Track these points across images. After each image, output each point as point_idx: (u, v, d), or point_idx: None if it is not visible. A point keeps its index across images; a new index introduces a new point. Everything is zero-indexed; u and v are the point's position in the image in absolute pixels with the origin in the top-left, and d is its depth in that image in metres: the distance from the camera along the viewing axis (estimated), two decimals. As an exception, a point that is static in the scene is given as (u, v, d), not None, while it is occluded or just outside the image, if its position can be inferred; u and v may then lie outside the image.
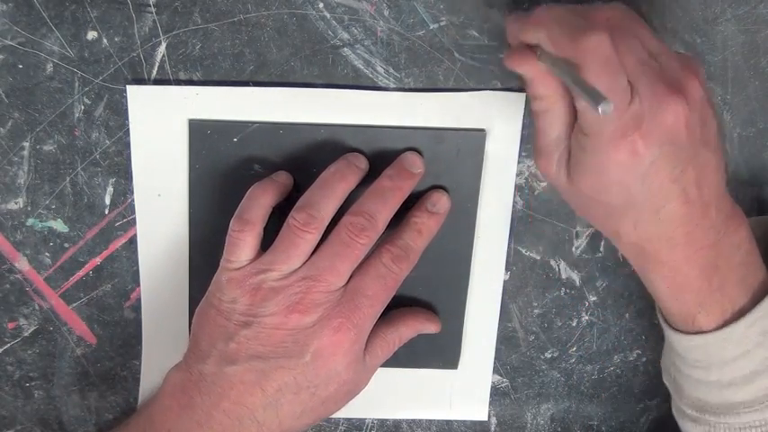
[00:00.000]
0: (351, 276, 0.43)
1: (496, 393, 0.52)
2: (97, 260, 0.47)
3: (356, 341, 0.43)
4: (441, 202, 0.45)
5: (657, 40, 0.37)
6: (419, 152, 0.45)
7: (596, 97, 0.33)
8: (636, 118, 0.35)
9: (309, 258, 0.42)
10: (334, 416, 0.51)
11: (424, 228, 0.45)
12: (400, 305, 0.48)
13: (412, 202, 0.46)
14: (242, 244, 0.43)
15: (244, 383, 0.42)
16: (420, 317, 0.48)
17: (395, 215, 0.44)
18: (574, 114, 0.38)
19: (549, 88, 0.37)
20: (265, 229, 0.43)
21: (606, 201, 0.38)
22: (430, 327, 0.48)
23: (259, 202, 0.43)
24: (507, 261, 0.49)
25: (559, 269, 0.50)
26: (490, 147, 0.46)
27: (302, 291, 0.42)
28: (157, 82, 0.43)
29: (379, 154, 0.45)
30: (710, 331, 0.39)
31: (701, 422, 0.42)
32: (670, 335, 0.41)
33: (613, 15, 0.37)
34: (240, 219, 0.43)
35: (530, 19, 0.37)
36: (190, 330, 0.48)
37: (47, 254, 0.47)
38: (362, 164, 0.45)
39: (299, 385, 0.42)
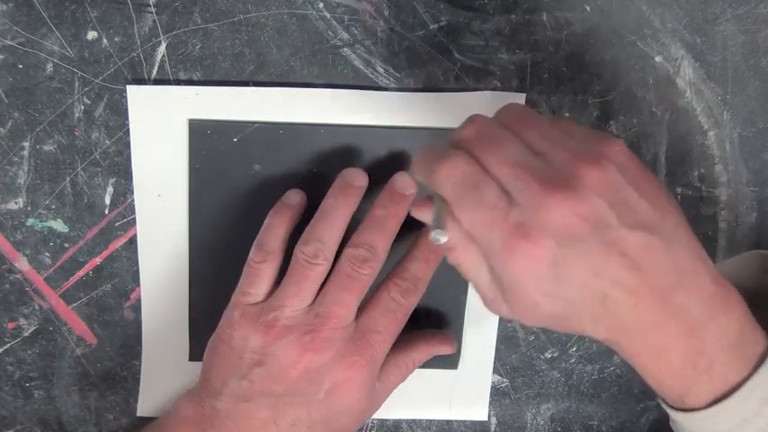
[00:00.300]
0: (361, 312, 0.43)
1: (496, 393, 0.52)
2: (97, 260, 0.47)
3: (369, 376, 0.43)
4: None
5: (556, 127, 0.35)
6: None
7: (434, 226, 0.34)
8: (519, 226, 0.33)
9: (316, 296, 0.43)
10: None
11: (432, 257, 0.45)
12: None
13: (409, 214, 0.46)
14: (262, 275, 0.43)
15: (258, 419, 0.42)
16: (433, 340, 0.48)
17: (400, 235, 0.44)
18: None
19: (455, 233, 0.36)
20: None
21: (547, 313, 0.35)
22: (445, 349, 0.48)
23: (277, 231, 0.43)
24: (507, 261, 0.49)
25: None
26: (490, 147, 0.46)
27: (314, 328, 0.42)
28: (157, 82, 0.43)
29: (379, 154, 0.45)
30: (701, 409, 0.36)
31: None
32: (668, 411, 0.39)
33: (482, 127, 0.36)
34: (261, 250, 0.43)
35: (412, 164, 0.36)
36: (190, 329, 0.49)
37: (47, 254, 0.47)
38: (361, 181, 0.44)
39: (312, 419, 0.42)
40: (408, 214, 0.42)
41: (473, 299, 0.49)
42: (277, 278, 0.44)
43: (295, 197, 0.45)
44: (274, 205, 0.44)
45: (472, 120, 0.37)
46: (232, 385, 0.42)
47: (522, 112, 0.37)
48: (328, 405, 0.42)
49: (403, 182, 0.44)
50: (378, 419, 0.52)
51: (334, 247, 0.43)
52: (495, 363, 0.51)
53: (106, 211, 0.46)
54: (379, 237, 0.43)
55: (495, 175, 0.34)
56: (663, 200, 0.34)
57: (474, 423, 0.53)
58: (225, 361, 0.43)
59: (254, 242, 0.44)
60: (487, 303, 0.38)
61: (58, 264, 0.47)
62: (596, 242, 0.32)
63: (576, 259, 0.33)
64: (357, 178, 0.44)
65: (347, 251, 0.43)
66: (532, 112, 0.37)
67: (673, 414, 0.38)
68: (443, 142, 0.37)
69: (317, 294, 0.43)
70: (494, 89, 0.45)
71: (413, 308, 0.45)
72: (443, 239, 0.34)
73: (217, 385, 0.43)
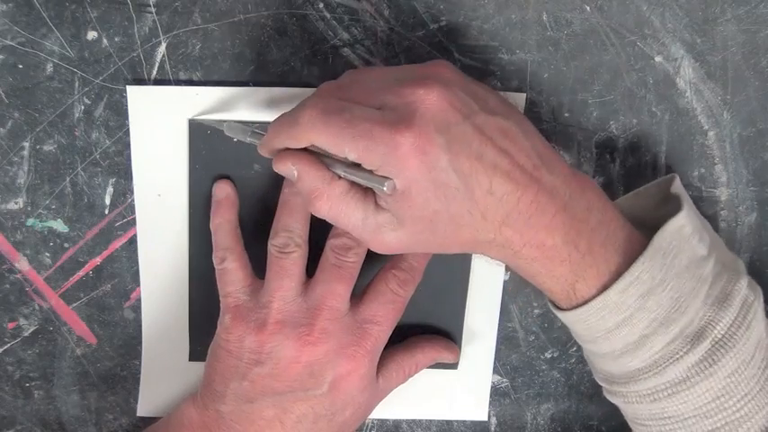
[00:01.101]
0: (360, 304, 0.44)
1: (496, 393, 0.52)
2: (97, 260, 0.47)
3: (370, 367, 0.43)
4: None
5: (394, 69, 0.38)
6: None
7: (379, 183, 0.35)
8: (397, 121, 0.34)
9: (306, 290, 0.43)
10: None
11: None
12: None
13: None
14: (230, 273, 0.44)
15: (263, 419, 0.42)
16: (438, 346, 0.48)
17: None
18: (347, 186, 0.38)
19: (322, 179, 0.38)
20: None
21: (440, 217, 0.36)
22: (448, 356, 0.49)
23: (223, 229, 0.44)
24: (507, 261, 0.49)
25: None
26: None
27: (309, 321, 0.42)
28: (157, 82, 0.43)
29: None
30: (589, 300, 0.38)
31: (616, 394, 0.41)
32: (558, 315, 0.40)
33: (340, 82, 0.38)
34: (217, 251, 0.44)
35: (297, 129, 0.37)
36: (190, 329, 0.49)
37: (47, 254, 0.47)
38: None
39: (316, 414, 0.42)
40: None
41: (473, 299, 0.49)
42: (259, 275, 0.44)
43: (222, 190, 0.45)
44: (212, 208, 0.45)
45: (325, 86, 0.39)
46: (234, 387, 0.42)
47: (354, 72, 0.39)
48: (332, 398, 0.42)
49: None
50: (378, 419, 0.52)
51: (303, 233, 0.43)
52: (495, 363, 0.51)
53: (106, 211, 0.46)
54: None
55: (358, 100, 0.36)
56: (501, 95, 0.38)
57: (474, 423, 0.53)
58: (224, 365, 0.43)
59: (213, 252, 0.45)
60: (372, 240, 0.38)
61: (58, 264, 0.47)
62: (469, 126, 0.35)
63: (459, 145, 0.35)
64: None
65: (330, 242, 0.43)
66: (365, 69, 0.40)
67: (563, 316, 0.39)
68: None
69: (306, 287, 0.43)
70: (494, 89, 0.45)
71: (409, 297, 0.45)
72: (392, 184, 0.35)
73: (219, 389, 0.43)
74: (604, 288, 0.37)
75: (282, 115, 0.38)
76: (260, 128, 0.42)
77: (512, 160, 0.35)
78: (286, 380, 0.42)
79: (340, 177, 0.37)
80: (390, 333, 0.44)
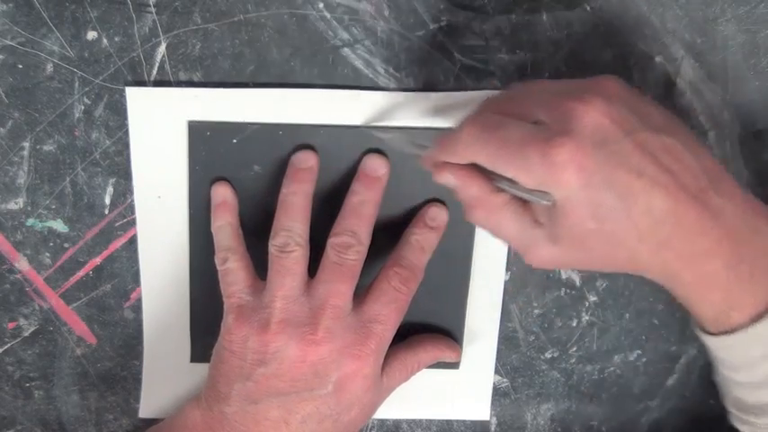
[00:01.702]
0: (363, 303, 0.44)
1: (497, 393, 0.52)
2: (97, 260, 0.47)
3: (375, 366, 0.43)
4: (440, 217, 0.46)
5: (558, 82, 0.37)
6: (381, 152, 0.45)
7: (537, 197, 0.35)
8: (552, 138, 0.33)
9: (309, 290, 0.43)
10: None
11: (426, 243, 0.45)
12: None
13: (411, 215, 0.46)
14: (233, 273, 0.44)
15: (268, 420, 0.42)
16: (440, 344, 0.48)
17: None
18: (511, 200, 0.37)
19: (481, 190, 0.38)
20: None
21: (597, 236, 0.35)
22: (450, 355, 0.49)
23: (224, 230, 0.44)
24: (507, 261, 0.49)
25: (559, 269, 0.50)
26: (490, 147, 0.46)
27: (312, 320, 0.42)
28: (157, 82, 0.43)
29: (379, 154, 0.45)
30: (740, 329, 0.36)
31: (745, 422, 0.40)
32: (702, 338, 0.39)
33: (503, 95, 0.38)
34: (219, 252, 0.44)
35: (457, 148, 0.37)
36: (191, 330, 0.49)
37: (47, 254, 0.47)
38: (310, 161, 0.44)
39: (322, 414, 0.42)
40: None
41: (474, 299, 0.49)
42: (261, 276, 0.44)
43: (220, 193, 0.45)
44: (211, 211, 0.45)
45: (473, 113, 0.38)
46: (238, 388, 0.42)
47: (523, 86, 0.38)
48: (337, 398, 0.42)
49: (373, 163, 0.44)
50: (378, 419, 0.52)
51: (304, 232, 0.43)
52: (495, 363, 0.51)
53: (106, 211, 0.46)
54: (359, 222, 0.43)
55: (517, 114, 0.35)
56: (668, 113, 0.36)
57: (474, 423, 0.53)
58: (229, 366, 0.43)
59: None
60: (526, 253, 0.38)
61: (58, 264, 0.47)
62: (629, 143, 0.33)
63: (617, 161, 0.33)
64: (305, 160, 0.44)
65: (330, 240, 0.43)
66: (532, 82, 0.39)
67: (708, 340, 0.37)
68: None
69: (308, 287, 0.43)
70: (494, 89, 0.45)
71: (412, 295, 0.45)
72: (552, 197, 0.35)
73: (224, 390, 0.43)
74: (759, 317, 0.35)
75: (446, 132, 0.38)
76: (422, 137, 0.43)
77: (675, 179, 0.34)
78: (290, 380, 0.42)
79: (501, 189, 0.37)
80: (395, 331, 0.44)
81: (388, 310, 0.43)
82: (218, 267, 0.44)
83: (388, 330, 0.44)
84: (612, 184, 0.33)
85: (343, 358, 0.42)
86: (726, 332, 0.36)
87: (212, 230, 0.45)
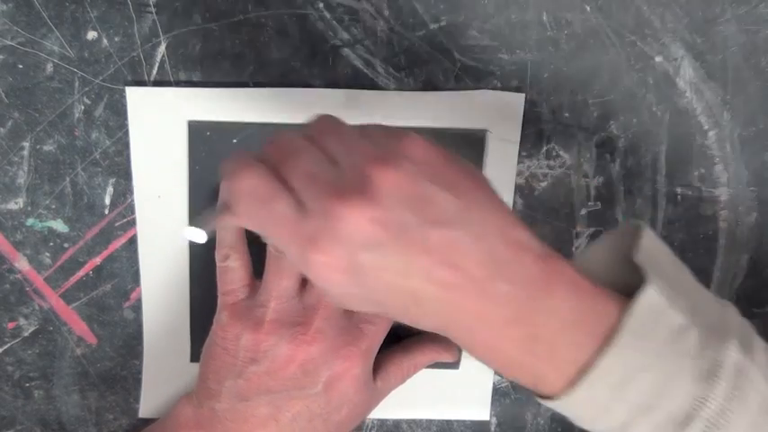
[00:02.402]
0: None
1: (496, 393, 0.52)
2: (97, 260, 0.47)
3: (365, 366, 0.43)
4: None
5: (358, 132, 0.34)
6: None
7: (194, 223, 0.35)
8: (311, 237, 0.32)
9: (303, 291, 0.43)
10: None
11: None
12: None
13: None
14: (232, 271, 0.44)
15: (257, 417, 0.42)
16: (437, 345, 0.48)
17: None
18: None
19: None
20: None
21: (365, 310, 0.35)
22: (447, 356, 0.48)
23: (228, 227, 0.44)
24: (507, 261, 0.49)
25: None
26: (490, 147, 0.46)
27: (304, 321, 0.42)
28: (157, 82, 0.43)
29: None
30: (556, 398, 0.34)
31: None
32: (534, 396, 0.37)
33: (283, 140, 0.35)
34: (220, 249, 0.44)
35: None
36: (191, 330, 0.49)
37: (47, 254, 0.47)
38: None
39: (311, 413, 0.42)
40: None
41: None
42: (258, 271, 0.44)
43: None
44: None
45: (278, 134, 0.36)
46: (229, 385, 0.42)
47: (325, 121, 0.35)
48: (327, 398, 0.42)
49: None
50: (378, 419, 0.52)
51: None
52: (495, 363, 0.51)
53: (106, 211, 0.46)
54: None
55: (291, 186, 0.33)
56: (469, 189, 0.33)
57: (474, 423, 0.53)
58: (220, 363, 0.43)
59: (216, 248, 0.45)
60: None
61: (58, 264, 0.47)
62: (397, 245, 0.31)
63: (378, 265, 0.31)
64: None
65: None
66: (338, 121, 0.36)
67: (540, 401, 0.36)
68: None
69: (303, 288, 0.43)
70: (494, 89, 0.45)
71: None
72: (199, 240, 0.34)
73: (214, 387, 0.43)
74: (572, 385, 0.34)
75: (219, 202, 0.37)
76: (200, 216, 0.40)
77: (456, 273, 0.32)
78: (281, 379, 0.42)
79: None
80: (386, 333, 0.44)
81: None
82: (218, 264, 0.44)
83: (379, 332, 0.44)
84: (372, 284, 0.32)
85: (334, 359, 0.42)
86: (548, 398, 0.35)
87: (216, 227, 0.45)
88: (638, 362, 0.33)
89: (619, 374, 0.33)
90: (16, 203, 0.45)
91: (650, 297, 0.33)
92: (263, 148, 0.36)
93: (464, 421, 0.53)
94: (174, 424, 0.44)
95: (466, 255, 0.32)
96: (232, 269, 0.44)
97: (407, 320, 0.34)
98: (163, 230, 0.46)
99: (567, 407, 0.35)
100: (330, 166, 0.33)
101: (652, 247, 0.36)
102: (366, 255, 0.31)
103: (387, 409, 0.51)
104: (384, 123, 0.44)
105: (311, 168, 0.33)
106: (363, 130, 0.34)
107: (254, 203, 0.33)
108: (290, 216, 0.32)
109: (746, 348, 0.34)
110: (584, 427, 0.36)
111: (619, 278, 0.35)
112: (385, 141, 0.33)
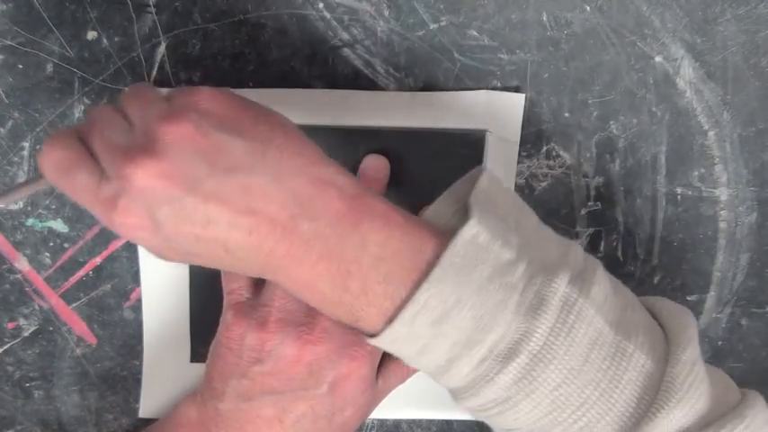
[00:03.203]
0: None
1: (496, 393, 0.52)
2: (97, 260, 0.47)
3: (371, 367, 0.43)
4: (383, 168, 0.45)
5: (159, 96, 0.35)
6: (381, 152, 0.45)
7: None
8: (109, 200, 0.33)
9: None
10: (334, 416, 0.51)
11: None
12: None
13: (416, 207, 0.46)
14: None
15: (261, 418, 0.42)
16: None
17: None
18: None
19: None
20: None
21: (184, 260, 0.35)
22: None
23: None
24: (507, 261, 0.49)
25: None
26: (490, 147, 0.46)
27: (310, 320, 0.42)
28: (157, 82, 0.43)
29: (379, 154, 0.45)
30: (377, 335, 0.35)
31: (458, 400, 0.38)
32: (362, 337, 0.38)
33: (96, 111, 0.35)
34: None
35: None
36: (191, 330, 0.48)
37: (47, 254, 0.47)
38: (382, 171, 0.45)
39: (316, 414, 0.42)
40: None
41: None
42: None
43: None
44: None
45: (92, 107, 0.37)
46: (233, 385, 0.42)
47: (134, 89, 0.36)
48: (332, 399, 0.42)
49: (375, 164, 0.44)
50: (378, 419, 0.52)
51: None
52: (495, 363, 0.51)
53: (106, 212, 0.46)
54: None
55: (95, 155, 0.34)
56: (264, 132, 0.34)
57: (474, 423, 0.53)
58: (225, 363, 0.43)
59: None
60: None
61: (58, 264, 0.47)
62: (192, 197, 0.32)
63: (177, 218, 0.32)
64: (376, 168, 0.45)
65: None
66: (147, 88, 0.36)
67: (368, 341, 0.36)
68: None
69: None
70: (494, 89, 0.45)
71: None
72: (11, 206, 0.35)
73: (219, 387, 0.43)
74: (390, 321, 0.34)
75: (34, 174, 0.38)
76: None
77: (258, 217, 0.33)
78: (286, 379, 0.42)
79: None
80: None
81: None
82: None
83: None
84: (179, 238, 0.33)
85: (340, 359, 0.42)
86: (370, 336, 0.36)
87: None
88: (458, 296, 0.33)
89: (438, 309, 0.33)
90: (16, 203, 0.45)
91: (472, 232, 0.33)
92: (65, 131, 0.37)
93: (464, 421, 0.53)
94: (176, 424, 0.44)
95: (265, 198, 0.33)
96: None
97: (227, 268, 0.35)
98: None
99: (388, 344, 0.35)
100: (126, 131, 0.34)
101: (489, 189, 0.36)
102: (163, 210, 0.32)
103: (387, 409, 0.51)
104: (384, 123, 0.45)
105: (109, 135, 0.34)
106: (168, 93, 0.35)
107: (58, 174, 0.34)
108: (91, 183, 0.33)
109: (581, 284, 0.35)
110: (412, 364, 0.37)
111: (462, 223, 0.34)
112: (178, 99, 0.34)
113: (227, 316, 0.43)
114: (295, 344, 0.41)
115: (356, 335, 0.42)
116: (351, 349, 0.42)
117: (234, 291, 0.43)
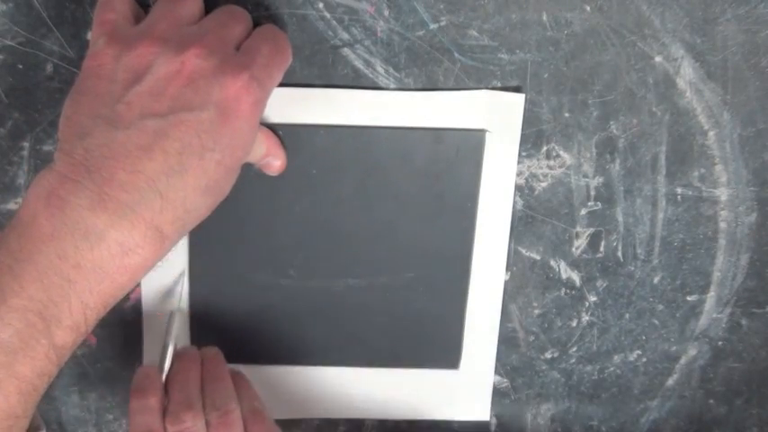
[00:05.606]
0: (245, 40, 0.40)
1: (497, 394, 0.52)
2: (97, 260, 0.47)
3: (259, 101, 0.39)
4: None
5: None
6: (381, 151, 0.45)
7: None
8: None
9: (200, 21, 0.40)
10: (333, 416, 0.51)
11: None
12: (399, 306, 0.48)
13: (408, 215, 0.46)
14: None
15: (141, 148, 0.36)
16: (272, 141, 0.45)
17: None
18: None
19: None
20: None
21: None
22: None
23: None
24: (507, 261, 0.49)
25: (559, 269, 0.50)
26: (490, 147, 0.46)
27: (195, 39, 0.38)
28: (157, 82, 0.43)
29: (379, 154, 0.45)
30: None
31: None
32: None
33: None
34: None
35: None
36: (191, 330, 0.48)
37: (47, 254, 0.46)
38: None
39: (203, 147, 0.37)
40: None
41: (473, 299, 0.49)
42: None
43: None
44: None
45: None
46: (105, 115, 0.36)
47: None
48: (220, 127, 0.37)
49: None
50: (378, 419, 0.52)
51: None
52: (495, 363, 0.51)
53: (106, 212, 0.46)
54: None
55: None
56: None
57: (474, 423, 0.53)
58: (93, 95, 0.37)
59: None
60: None
61: (58, 264, 0.47)
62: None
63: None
64: None
65: None
66: None
67: None
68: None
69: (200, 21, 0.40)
70: (494, 89, 0.45)
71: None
72: None
73: (85, 123, 0.37)
74: None
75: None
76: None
77: None
78: (167, 97, 0.37)
79: None
80: (279, 74, 0.40)
81: (268, 47, 0.39)
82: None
83: (269, 67, 0.39)
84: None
85: (226, 78, 0.37)
86: None
87: None
88: None
89: None
90: (16, 203, 0.45)
91: None
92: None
93: (464, 421, 0.53)
94: (26, 200, 0.36)
95: None
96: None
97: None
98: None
99: None
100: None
101: None
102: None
103: (387, 410, 0.51)
104: (384, 123, 0.45)
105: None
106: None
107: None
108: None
109: None
110: None
111: None
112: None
113: (98, 43, 0.38)
114: (176, 54, 0.37)
115: (243, 59, 0.39)
116: (238, 70, 0.38)
117: (109, 21, 0.39)
